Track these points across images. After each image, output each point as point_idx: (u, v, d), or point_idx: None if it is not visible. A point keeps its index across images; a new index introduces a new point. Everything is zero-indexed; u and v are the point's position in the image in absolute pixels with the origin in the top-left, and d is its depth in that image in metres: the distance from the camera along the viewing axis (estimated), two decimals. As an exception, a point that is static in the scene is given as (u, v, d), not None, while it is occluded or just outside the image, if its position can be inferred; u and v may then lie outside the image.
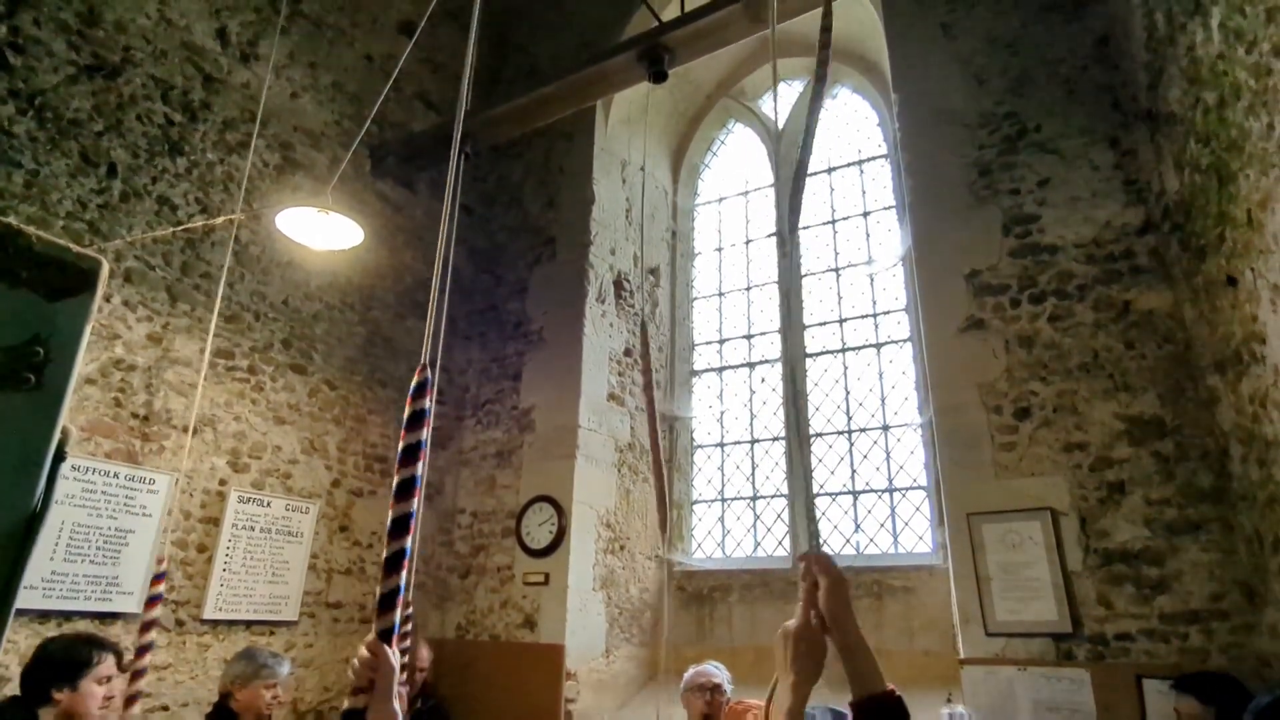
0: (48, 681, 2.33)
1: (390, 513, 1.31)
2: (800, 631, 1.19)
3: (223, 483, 4.13)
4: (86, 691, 2.37)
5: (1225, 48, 2.59)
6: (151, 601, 2.81)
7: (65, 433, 1.22)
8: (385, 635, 1.28)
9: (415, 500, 1.32)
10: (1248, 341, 2.82)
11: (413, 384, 1.38)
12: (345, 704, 1.27)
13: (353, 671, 1.27)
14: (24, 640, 3.18)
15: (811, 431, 5.28)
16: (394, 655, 1.27)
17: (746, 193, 6.34)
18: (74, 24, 3.84)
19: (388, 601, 1.29)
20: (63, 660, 2.40)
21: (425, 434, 1.37)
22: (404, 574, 1.30)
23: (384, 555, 1.31)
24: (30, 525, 1.09)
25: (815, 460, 5.20)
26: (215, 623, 3.96)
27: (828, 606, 1.19)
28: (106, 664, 2.48)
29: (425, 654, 4.34)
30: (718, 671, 3.52)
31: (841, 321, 5.39)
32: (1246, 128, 2.55)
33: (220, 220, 3.74)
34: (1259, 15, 2.30)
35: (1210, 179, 2.94)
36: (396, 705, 1.26)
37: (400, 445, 1.35)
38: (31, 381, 1.10)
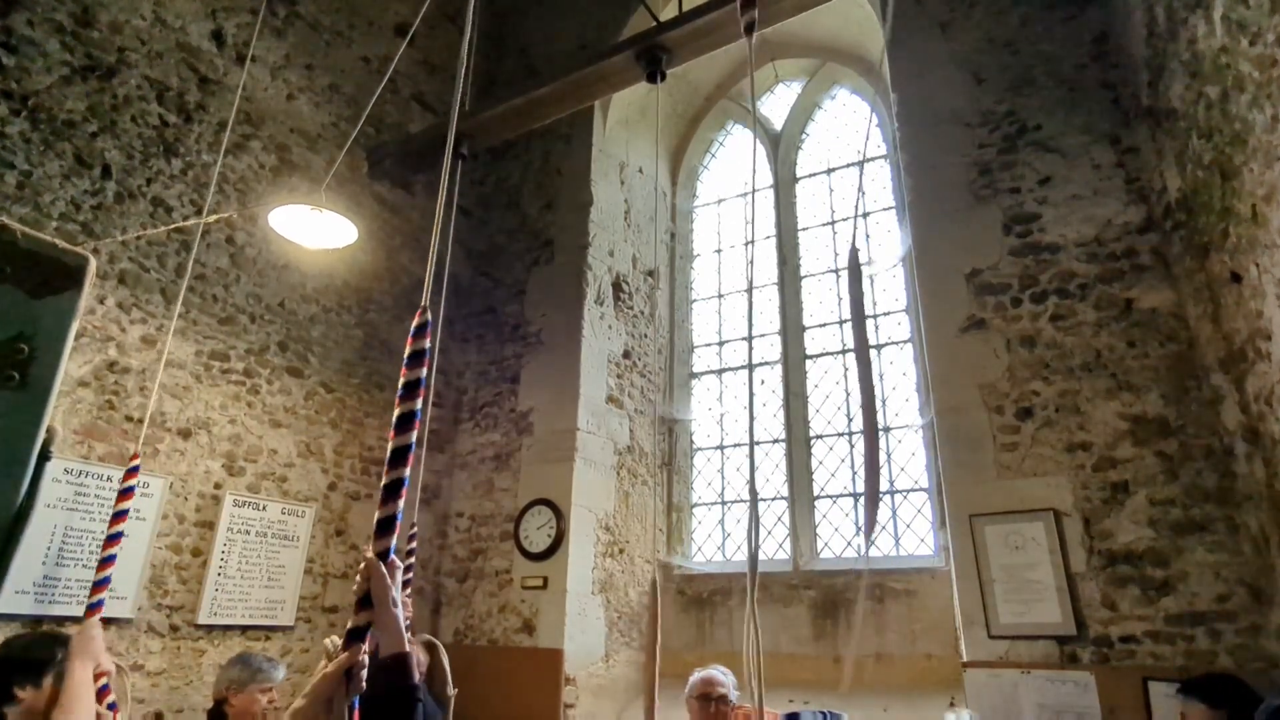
0: (10, 680, 2.30)
1: (390, 444, 1.39)
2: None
3: (218, 486, 4.09)
4: (50, 688, 2.33)
5: (1228, 40, 2.57)
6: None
7: (51, 432, 1.18)
8: (382, 557, 1.34)
9: (413, 435, 1.41)
10: (1252, 338, 2.79)
11: (414, 325, 1.47)
12: (349, 624, 1.32)
13: (354, 589, 1.35)
14: (15, 646, 3.14)
15: (811, 433, 5.25)
16: (385, 569, 1.33)
17: (745, 194, 6.32)
18: (68, 25, 3.81)
19: (385, 526, 1.35)
20: (23, 658, 2.36)
21: (424, 373, 1.46)
22: (401, 502, 1.37)
23: (382, 483, 1.38)
24: (14, 526, 1.06)
25: (816, 462, 5.17)
26: (210, 628, 3.92)
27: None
28: None
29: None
30: (724, 678, 3.43)
31: (841, 323, 5.37)
32: (1250, 121, 2.53)
33: (213, 219, 3.71)
34: (1263, 6, 2.27)
35: (1213, 174, 2.92)
36: (399, 612, 1.34)
37: (401, 382, 1.43)
38: (15, 379, 1.07)
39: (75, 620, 3.42)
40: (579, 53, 5.84)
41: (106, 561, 2.51)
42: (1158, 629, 3.16)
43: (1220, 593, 3.09)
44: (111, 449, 3.66)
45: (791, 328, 5.57)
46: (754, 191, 5.33)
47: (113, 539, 2.56)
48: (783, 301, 5.68)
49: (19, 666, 2.34)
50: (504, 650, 4.76)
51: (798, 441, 5.23)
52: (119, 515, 2.60)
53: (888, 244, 5.35)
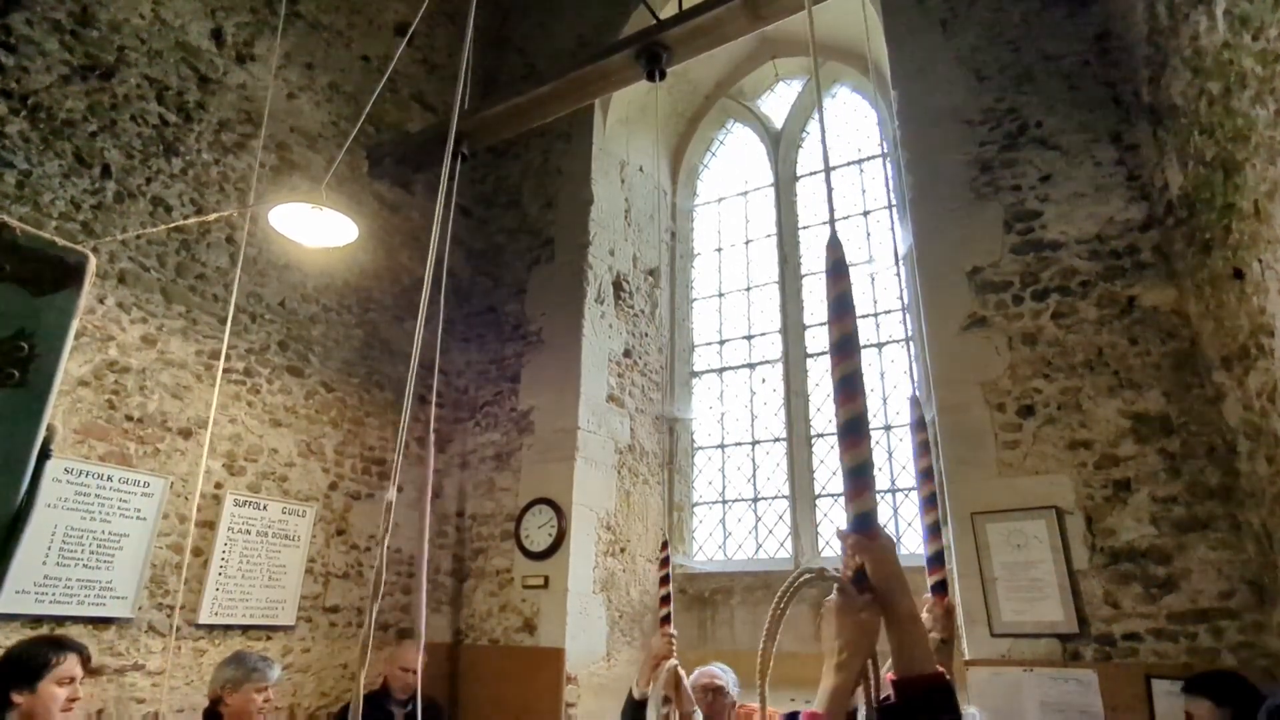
0: (6, 684, 2.30)
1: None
2: (847, 605, 1.12)
3: (218, 486, 4.09)
4: (46, 693, 2.33)
5: (1230, 35, 2.56)
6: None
7: (51, 430, 1.17)
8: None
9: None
10: (1255, 334, 2.79)
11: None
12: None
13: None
14: (16, 646, 3.13)
15: (813, 432, 5.25)
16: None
17: (746, 193, 6.31)
18: (67, 24, 3.80)
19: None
20: (21, 662, 2.37)
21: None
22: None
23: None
24: (14, 525, 1.05)
25: (817, 461, 5.16)
26: (211, 628, 3.91)
27: (877, 581, 1.12)
28: (67, 664, 2.42)
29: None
30: (722, 673, 3.45)
31: (842, 321, 5.35)
32: (1253, 116, 2.52)
33: (213, 218, 3.71)
34: (1266, 0, 2.27)
35: (1215, 171, 2.91)
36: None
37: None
38: (15, 378, 1.06)
39: (75, 620, 3.42)
40: (579, 51, 5.83)
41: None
42: (1160, 627, 3.16)
43: (1223, 590, 3.09)
44: (112, 449, 3.65)
45: (792, 326, 5.57)
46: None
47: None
48: (783, 300, 5.68)
49: (16, 671, 2.35)
50: (505, 650, 4.75)
51: (799, 440, 5.23)
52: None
53: (888, 242, 5.35)
